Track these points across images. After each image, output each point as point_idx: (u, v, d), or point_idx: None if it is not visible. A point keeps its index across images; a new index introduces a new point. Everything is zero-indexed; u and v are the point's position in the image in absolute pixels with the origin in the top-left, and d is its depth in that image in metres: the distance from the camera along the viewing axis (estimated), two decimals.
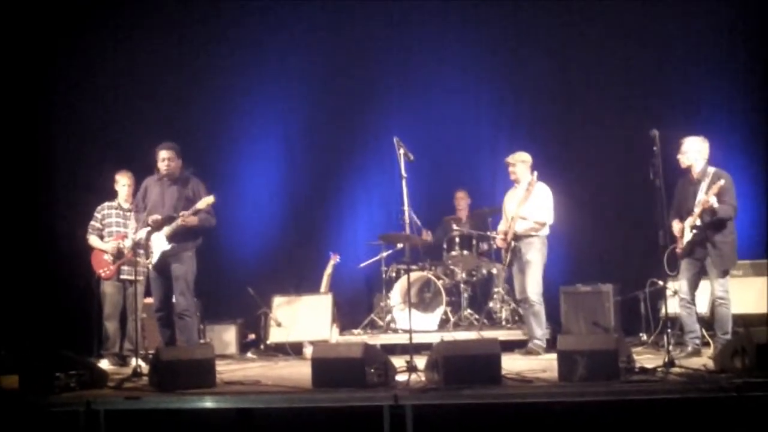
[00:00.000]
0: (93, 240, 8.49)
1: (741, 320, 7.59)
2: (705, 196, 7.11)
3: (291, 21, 10.51)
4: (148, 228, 7.50)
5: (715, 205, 7.05)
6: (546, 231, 8.18)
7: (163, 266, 7.60)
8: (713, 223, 7.17)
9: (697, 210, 7.19)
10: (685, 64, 9.51)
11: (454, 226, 9.57)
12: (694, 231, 7.24)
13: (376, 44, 10.51)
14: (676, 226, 7.41)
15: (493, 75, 10.18)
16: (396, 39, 10.50)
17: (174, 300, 7.58)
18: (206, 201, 7.53)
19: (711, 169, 7.29)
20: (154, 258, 7.58)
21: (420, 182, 8.20)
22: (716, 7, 9.30)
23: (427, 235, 9.80)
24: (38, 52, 9.73)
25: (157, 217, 7.50)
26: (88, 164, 9.75)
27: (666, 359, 6.14)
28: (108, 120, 10.13)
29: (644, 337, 8.44)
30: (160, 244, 7.55)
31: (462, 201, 9.98)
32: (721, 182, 7.06)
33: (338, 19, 10.52)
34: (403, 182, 6.92)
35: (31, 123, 9.76)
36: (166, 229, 7.52)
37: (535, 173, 8.08)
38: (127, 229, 8.36)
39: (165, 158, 7.64)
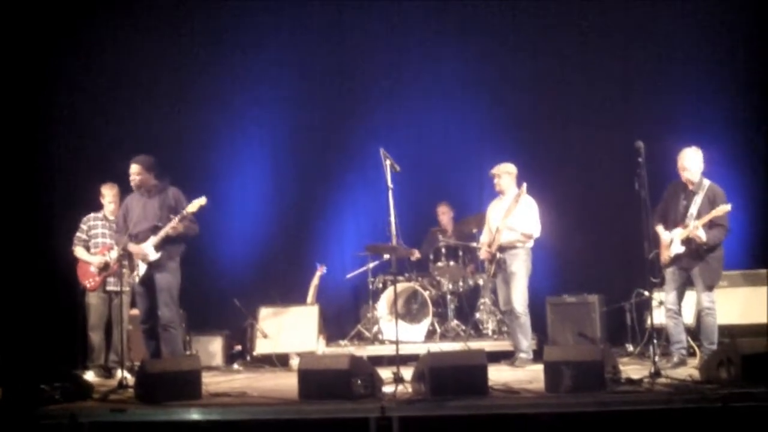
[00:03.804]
0: (79, 251, 8.44)
1: (727, 331, 7.62)
2: (697, 223, 7.11)
3: (279, 34, 10.51)
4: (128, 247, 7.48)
5: (704, 238, 7.09)
6: (531, 243, 8.16)
7: (148, 278, 7.55)
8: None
9: (690, 228, 7.17)
10: (674, 76, 9.51)
11: (440, 237, 9.58)
12: (684, 245, 7.26)
13: (363, 55, 10.53)
14: (662, 232, 7.42)
15: (480, 87, 10.18)
16: (383, 50, 10.52)
17: (159, 312, 7.53)
18: (198, 203, 7.46)
19: (706, 182, 7.29)
20: (141, 270, 7.53)
21: (406, 193, 8.20)
22: (716, 8, 9.31)
23: (415, 254, 9.81)
24: (37, 52, 9.65)
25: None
26: (73, 175, 9.67)
27: (652, 370, 6.18)
28: (99, 129, 10.05)
29: (630, 347, 8.45)
30: (148, 253, 7.51)
31: (444, 215, 9.99)
32: (716, 211, 7.07)
33: (326, 30, 10.54)
34: (390, 193, 6.93)
35: (17, 128, 9.66)
36: (153, 239, 7.47)
37: (525, 185, 8.00)
38: (113, 241, 8.31)
39: (131, 172, 7.65)
